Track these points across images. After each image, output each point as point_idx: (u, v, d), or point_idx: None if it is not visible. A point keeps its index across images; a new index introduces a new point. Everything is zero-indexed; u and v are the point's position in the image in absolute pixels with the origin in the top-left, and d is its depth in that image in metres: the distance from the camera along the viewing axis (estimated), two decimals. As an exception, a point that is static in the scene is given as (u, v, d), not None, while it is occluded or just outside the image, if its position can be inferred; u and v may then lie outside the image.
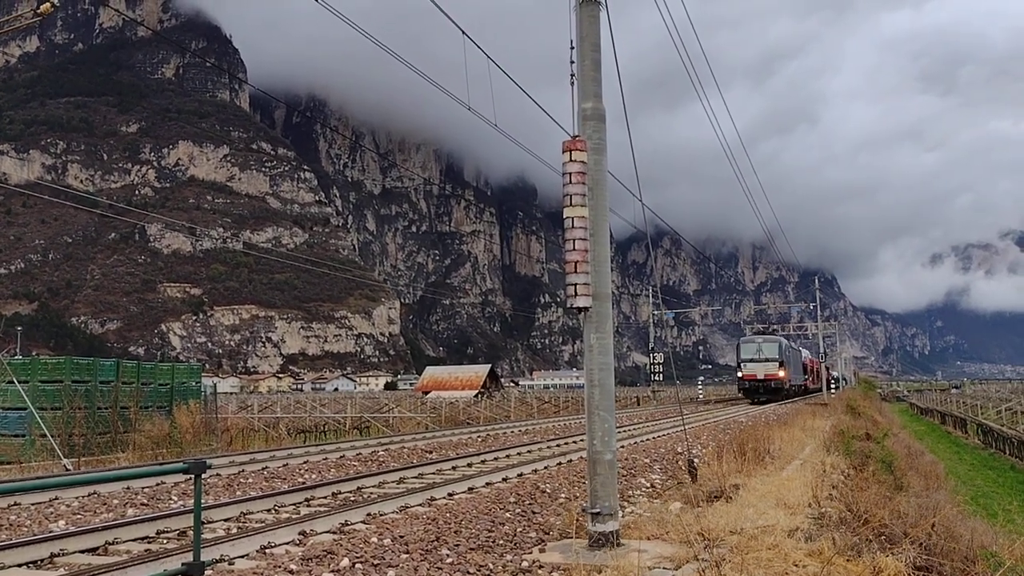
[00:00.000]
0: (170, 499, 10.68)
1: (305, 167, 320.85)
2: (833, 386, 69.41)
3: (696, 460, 11.81)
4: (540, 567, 6.65)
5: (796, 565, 6.19)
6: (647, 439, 19.28)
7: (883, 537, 7.97)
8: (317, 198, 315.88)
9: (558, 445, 18.29)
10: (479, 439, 21.26)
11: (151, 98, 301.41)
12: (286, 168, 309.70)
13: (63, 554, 6.98)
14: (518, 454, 16.18)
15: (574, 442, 18.68)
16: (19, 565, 6.62)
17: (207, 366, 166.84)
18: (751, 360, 50.35)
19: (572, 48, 7.68)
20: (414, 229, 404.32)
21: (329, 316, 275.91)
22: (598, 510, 7.26)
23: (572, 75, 7.67)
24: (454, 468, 13.78)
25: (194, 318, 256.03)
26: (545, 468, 13.00)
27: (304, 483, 11.80)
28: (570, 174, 7.44)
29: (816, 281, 75.20)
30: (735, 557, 6.17)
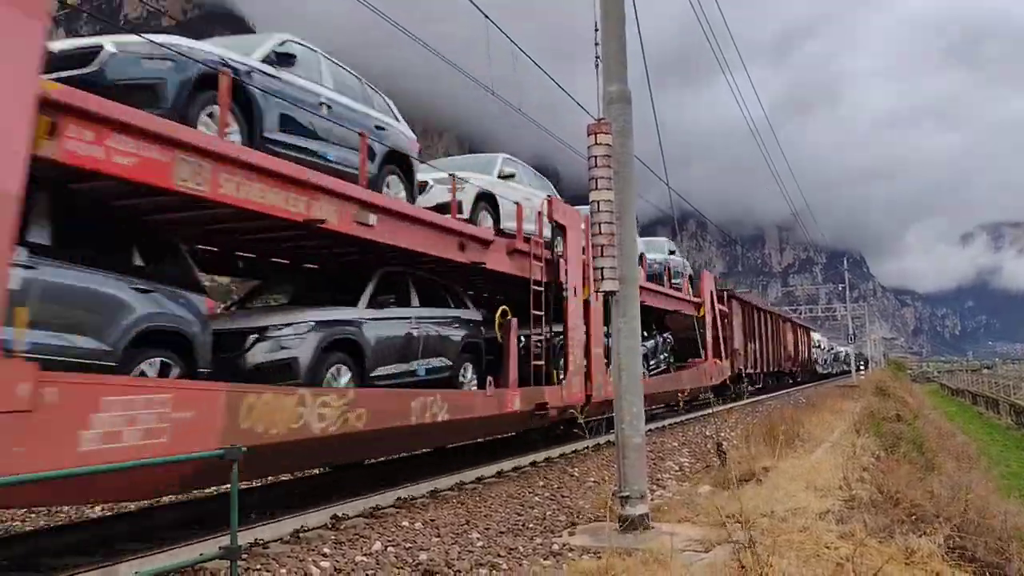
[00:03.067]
0: (203, 485, 10.82)
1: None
2: (861, 366, 68.13)
3: (724, 443, 11.77)
4: (571, 550, 6.68)
5: (828, 547, 6.17)
6: (675, 422, 19.25)
7: (915, 519, 7.92)
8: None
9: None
10: (506, 423, 21.30)
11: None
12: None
13: (101, 539, 7.10)
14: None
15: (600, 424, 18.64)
16: (60, 547, 6.75)
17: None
18: None
19: (596, 30, 7.63)
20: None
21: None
22: (627, 493, 7.28)
23: (597, 57, 7.63)
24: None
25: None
26: (573, 452, 13.02)
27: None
28: (595, 157, 7.43)
29: (845, 262, 74.44)
30: (766, 539, 6.16)
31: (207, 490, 9.19)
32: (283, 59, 7.80)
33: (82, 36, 7.08)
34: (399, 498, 8.57)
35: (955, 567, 6.70)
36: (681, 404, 18.67)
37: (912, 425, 20.80)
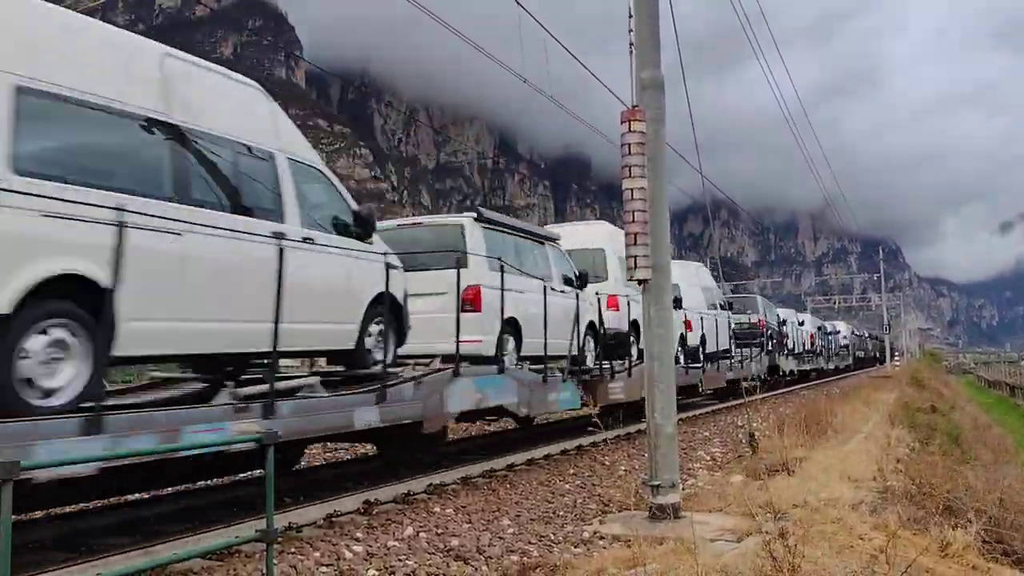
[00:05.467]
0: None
1: (361, 143, 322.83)
2: (898, 357, 67.33)
3: (756, 433, 11.71)
4: (601, 538, 6.69)
5: (861, 538, 6.12)
6: (706, 411, 19.17)
7: (950, 511, 7.83)
8: (373, 174, 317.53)
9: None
10: (536, 411, 21.37)
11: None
12: (342, 144, 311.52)
13: (139, 520, 7.24)
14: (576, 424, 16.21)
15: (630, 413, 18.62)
16: (100, 528, 6.88)
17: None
18: None
19: (630, 16, 7.58)
20: (468, 203, 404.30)
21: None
22: (658, 482, 7.26)
23: (631, 44, 7.58)
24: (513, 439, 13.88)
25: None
26: (604, 441, 13.02)
27: (366, 453, 12.02)
28: (629, 145, 7.39)
29: (880, 251, 73.50)
30: (798, 530, 6.12)
31: (240, 474, 9.32)
32: None
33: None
34: (431, 484, 8.63)
35: (991, 560, 6.63)
36: None
37: (947, 417, 20.54)
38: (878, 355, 66.77)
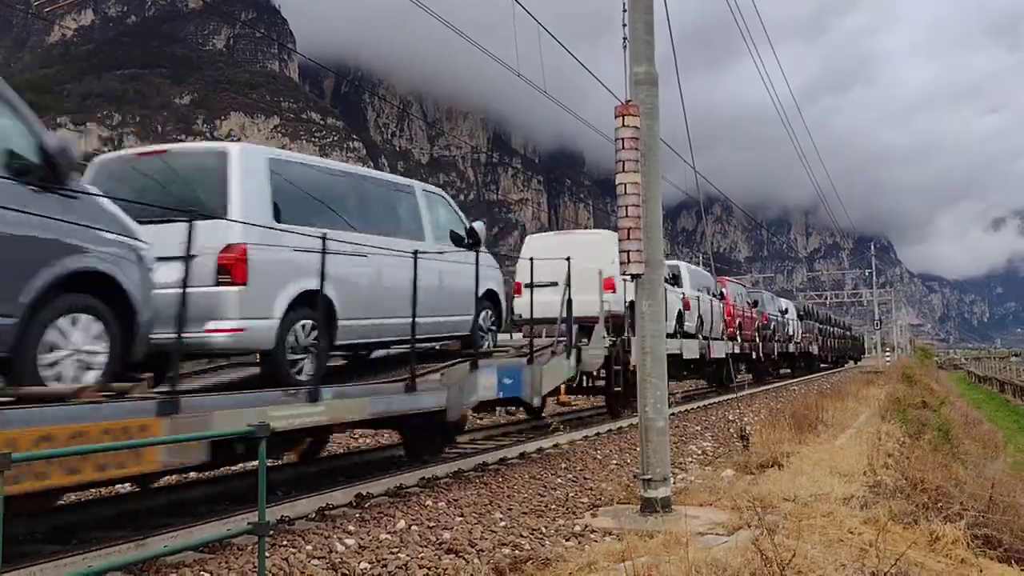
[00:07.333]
0: (230, 462, 10.97)
1: (354, 136, 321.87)
2: (888, 353, 67.41)
3: (748, 428, 11.76)
4: (592, 531, 6.72)
5: (851, 532, 6.16)
6: (698, 406, 19.22)
7: (940, 505, 7.88)
8: (366, 167, 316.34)
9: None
10: (529, 406, 21.36)
11: (203, 70, 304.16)
12: (335, 138, 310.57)
13: (131, 513, 7.23)
14: (569, 418, 16.23)
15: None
16: (92, 520, 6.88)
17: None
18: None
19: (624, 11, 7.58)
20: (462, 197, 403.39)
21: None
22: (650, 476, 7.29)
23: (624, 38, 7.58)
24: (505, 434, 13.90)
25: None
26: (596, 435, 13.05)
27: (359, 447, 12.03)
28: (622, 139, 7.39)
29: (872, 247, 73.77)
30: (789, 524, 6.16)
31: (234, 467, 9.31)
32: None
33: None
34: (423, 478, 8.64)
35: (980, 553, 6.67)
36: None
37: (938, 412, 20.62)
38: (830, 355, 44.91)
